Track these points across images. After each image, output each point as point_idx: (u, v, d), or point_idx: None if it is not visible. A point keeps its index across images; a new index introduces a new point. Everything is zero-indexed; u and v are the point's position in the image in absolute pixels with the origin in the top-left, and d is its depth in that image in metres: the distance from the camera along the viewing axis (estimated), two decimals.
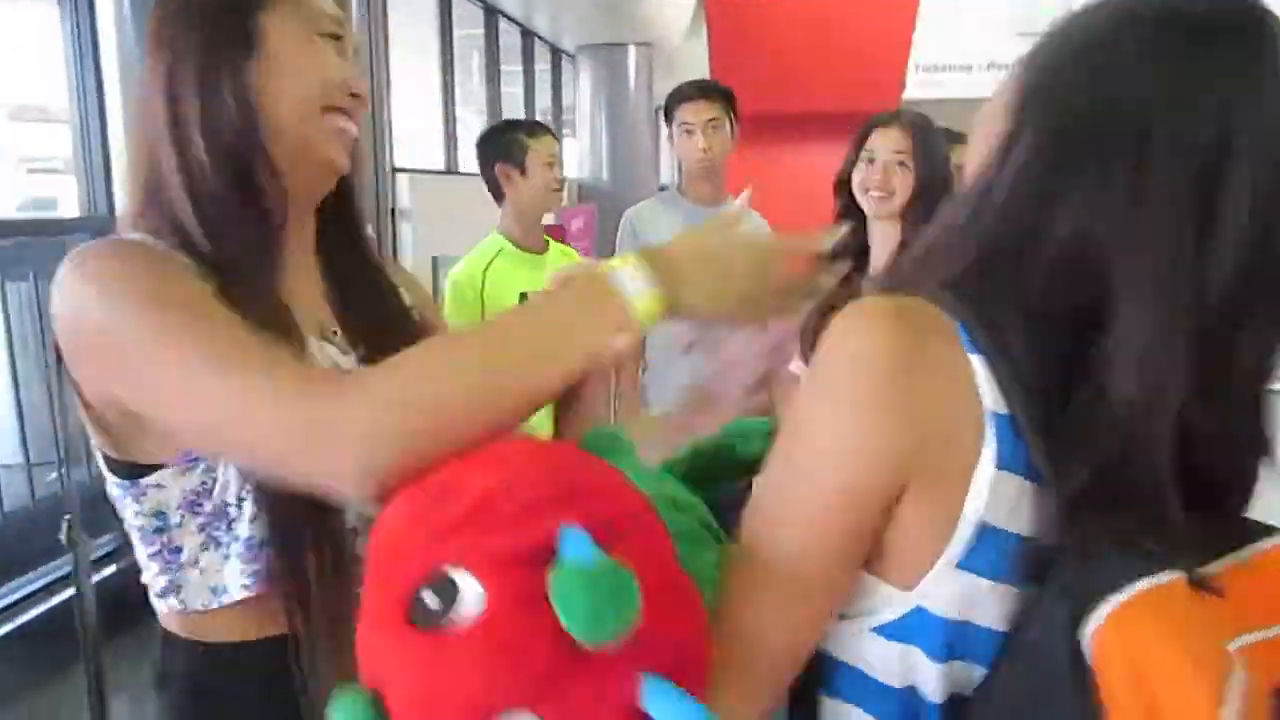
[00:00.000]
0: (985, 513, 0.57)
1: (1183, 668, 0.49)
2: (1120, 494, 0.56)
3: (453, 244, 2.91)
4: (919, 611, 0.59)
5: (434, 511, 0.55)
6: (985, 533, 0.57)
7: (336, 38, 0.86)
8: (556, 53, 8.94)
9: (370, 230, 1.02)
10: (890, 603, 0.60)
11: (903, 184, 1.87)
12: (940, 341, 0.59)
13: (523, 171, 2.24)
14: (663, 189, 4.81)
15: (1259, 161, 0.56)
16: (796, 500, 0.61)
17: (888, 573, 0.60)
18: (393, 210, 4.57)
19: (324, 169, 0.87)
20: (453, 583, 0.51)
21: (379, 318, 0.93)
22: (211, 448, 0.76)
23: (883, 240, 1.89)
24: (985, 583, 0.58)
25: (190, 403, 0.68)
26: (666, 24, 7.75)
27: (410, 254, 4.66)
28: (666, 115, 2.44)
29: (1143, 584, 0.51)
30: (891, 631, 0.61)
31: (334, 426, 0.61)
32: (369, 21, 3.86)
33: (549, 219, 2.60)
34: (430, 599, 0.52)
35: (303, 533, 0.79)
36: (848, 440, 0.59)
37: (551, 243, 2.41)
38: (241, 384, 0.66)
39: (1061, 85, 0.62)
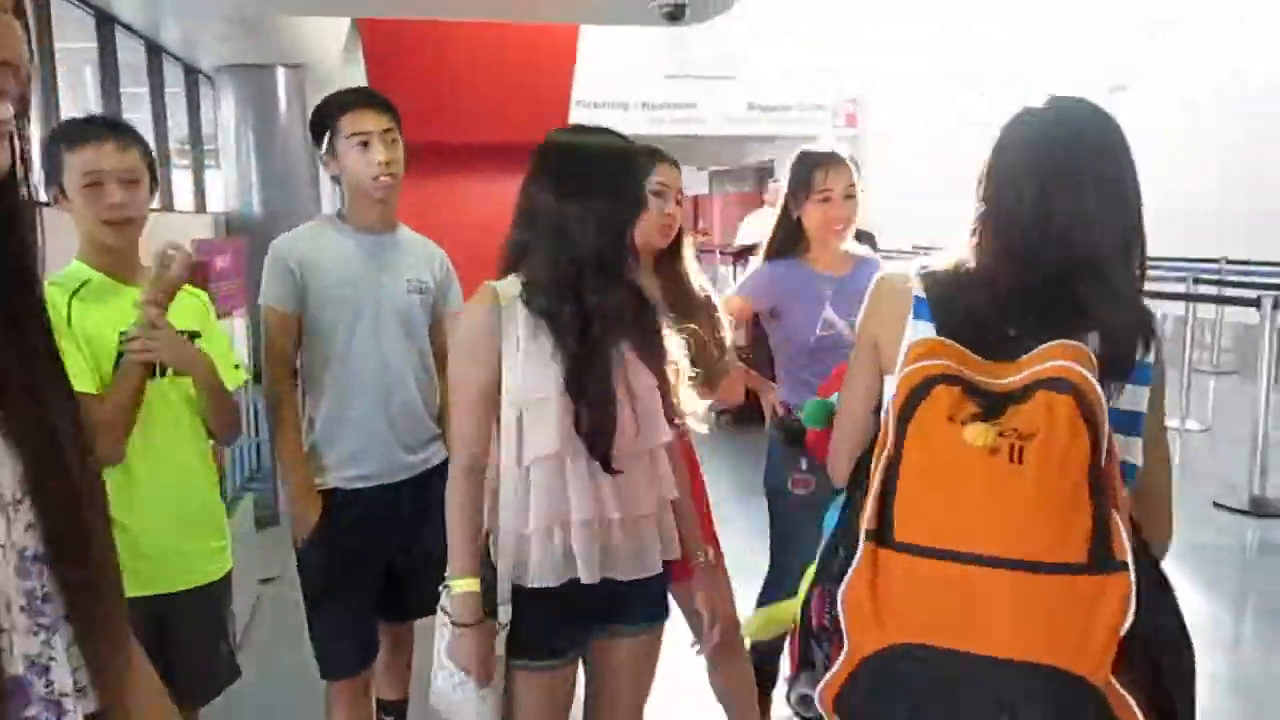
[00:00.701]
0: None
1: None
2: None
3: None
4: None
5: None
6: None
7: None
8: (192, 73, 8.06)
9: None
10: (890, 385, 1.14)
11: (853, 214, 2.19)
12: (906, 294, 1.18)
13: (64, 192, 1.68)
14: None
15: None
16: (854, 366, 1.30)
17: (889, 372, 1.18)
18: None
19: None
20: None
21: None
22: None
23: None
24: None
25: None
26: (319, 46, 7.27)
27: None
28: (321, 129, 2.04)
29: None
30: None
31: None
32: None
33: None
34: None
35: None
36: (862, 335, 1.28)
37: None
38: None
39: (997, 171, 1.19)
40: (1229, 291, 7.01)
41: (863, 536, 1.01)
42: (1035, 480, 0.93)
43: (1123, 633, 0.93)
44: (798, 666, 1.22)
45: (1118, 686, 0.93)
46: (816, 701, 1.07)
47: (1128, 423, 1.11)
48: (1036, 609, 0.94)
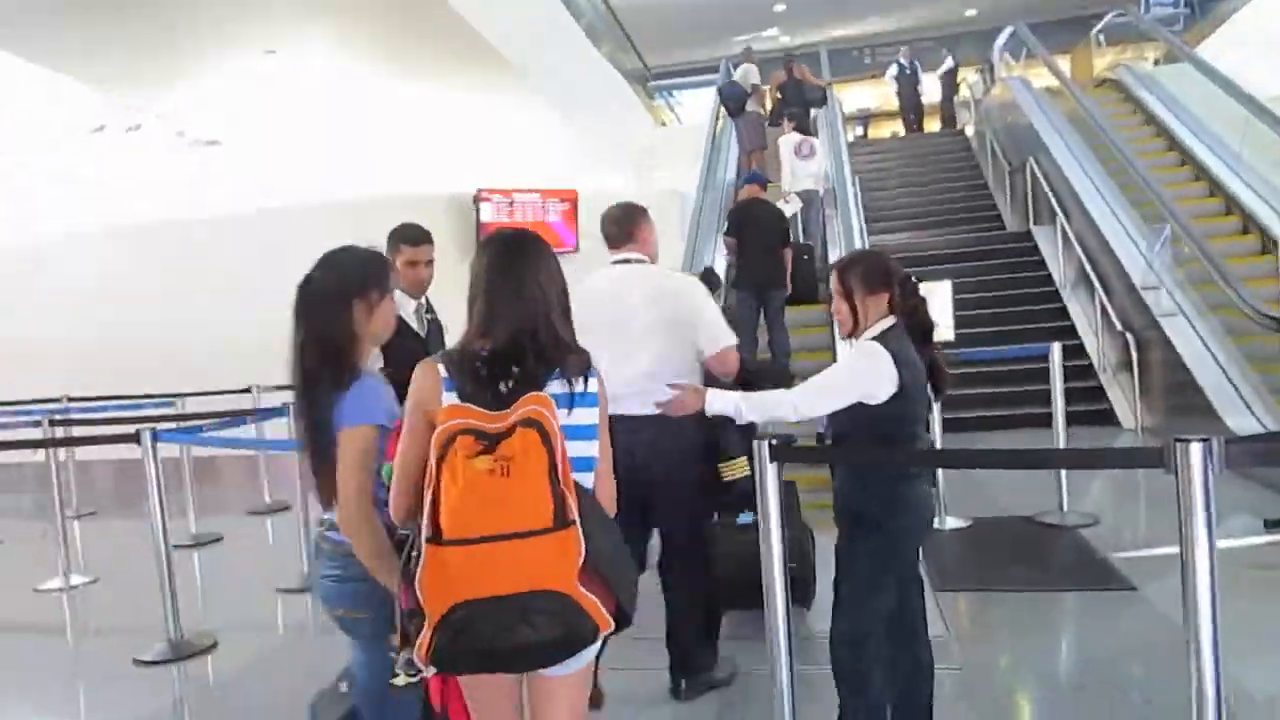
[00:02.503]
0: None
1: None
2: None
3: None
4: None
5: None
6: None
7: None
8: None
9: None
10: None
11: None
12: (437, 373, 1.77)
13: None
14: None
15: None
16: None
17: None
18: None
19: None
20: None
21: None
22: None
23: None
24: None
25: None
26: None
27: None
28: None
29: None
30: None
31: None
32: None
33: None
34: None
35: None
36: None
37: None
38: None
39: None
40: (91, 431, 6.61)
41: (424, 541, 1.56)
42: (516, 485, 1.54)
43: (581, 557, 1.58)
44: (402, 642, 1.67)
45: (582, 590, 1.58)
46: (417, 660, 1.60)
47: (587, 433, 1.76)
48: (527, 557, 1.54)
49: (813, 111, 11.38)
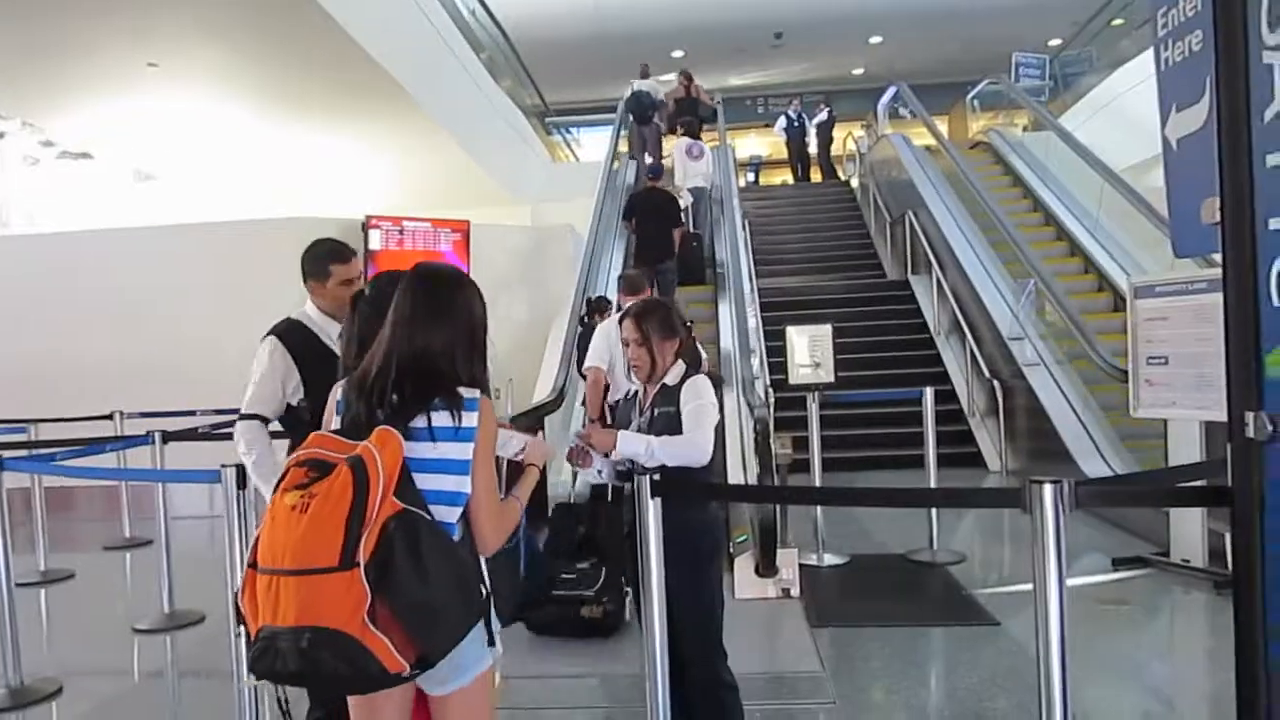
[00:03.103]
0: None
1: None
2: None
3: None
4: None
5: None
6: None
7: None
8: None
9: None
10: None
11: None
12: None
13: None
14: None
15: None
16: None
17: None
18: None
19: None
20: None
21: None
22: None
23: None
24: None
25: None
26: None
27: None
28: None
29: None
30: None
31: None
32: None
33: None
34: None
35: None
36: None
37: None
38: None
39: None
40: None
41: (245, 564, 1.65)
42: (309, 524, 1.57)
43: (368, 600, 1.54)
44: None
45: (371, 629, 1.55)
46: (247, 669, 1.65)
47: (456, 467, 1.75)
48: (309, 594, 1.55)
49: (703, 134, 12.29)
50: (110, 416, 7.01)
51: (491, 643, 1.78)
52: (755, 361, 7.06)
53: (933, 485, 5.52)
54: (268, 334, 2.99)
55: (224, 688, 3.12)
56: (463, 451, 1.74)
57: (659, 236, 8.81)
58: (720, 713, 2.63)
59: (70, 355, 8.17)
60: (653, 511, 2.43)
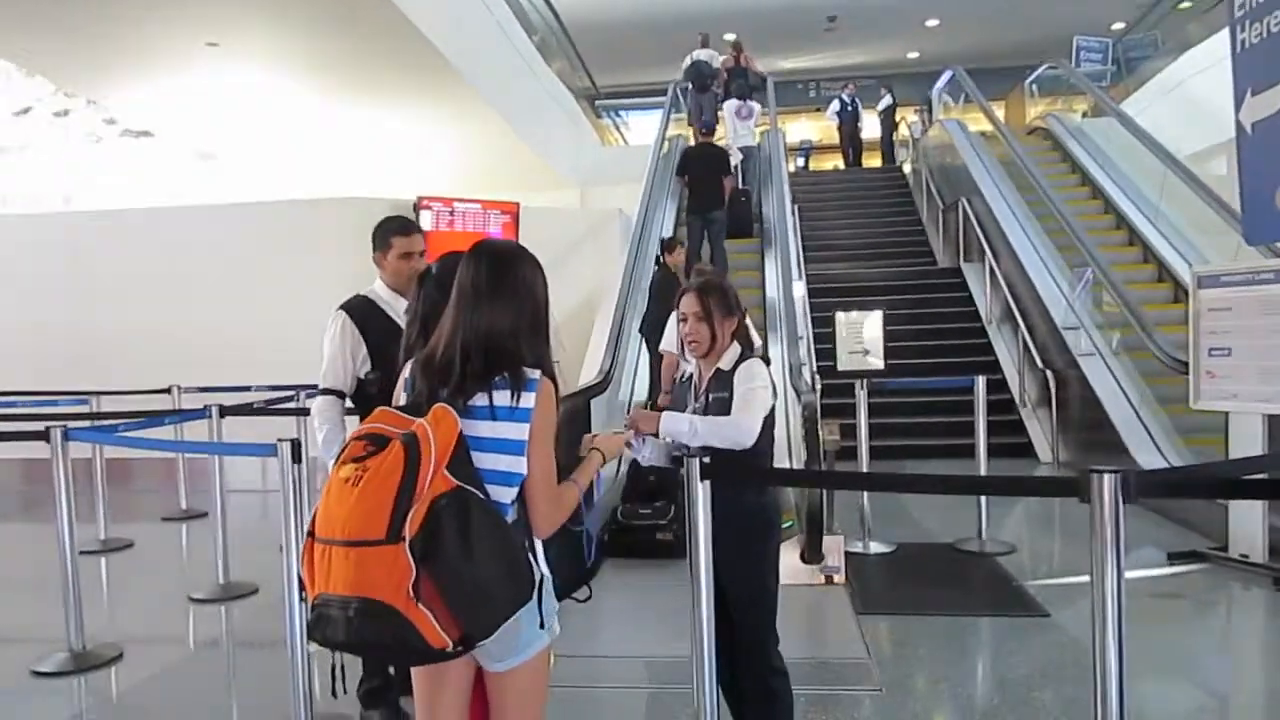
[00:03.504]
0: None
1: None
2: None
3: None
4: None
5: None
6: None
7: None
8: None
9: None
10: None
11: None
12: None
13: None
14: None
15: None
16: None
17: None
18: None
19: None
20: None
21: None
22: None
23: None
24: None
25: None
26: None
27: None
28: None
29: None
30: None
31: None
32: None
33: None
34: None
35: None
36: None
37: None
38: None
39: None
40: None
41: (305, 533, 1.71)
42: (358, 497, 1.60)
43: (412, 574, 1.57)
44: None
45: (415, 603, 1.57)
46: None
47: (512, 447, 1.76)
48: (356, 564, 1.59)
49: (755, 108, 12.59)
50: (168, 390, 7.19)
51: (543, 625, 1.78)
52: (802, 348, 7.01)
53: (983, 472, 5.44)
54: (338, 309, 3.07)
55: (277, 657, 3.19)
56: (519, 432, 1.75)
57: (710, 187, 9.27)
58: (770, 698, 2.62)
59: (129, 330, 8.40)
60: (702, 494, 2.43)
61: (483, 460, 1.72)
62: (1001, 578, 4.77)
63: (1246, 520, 4.76)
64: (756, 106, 12.12)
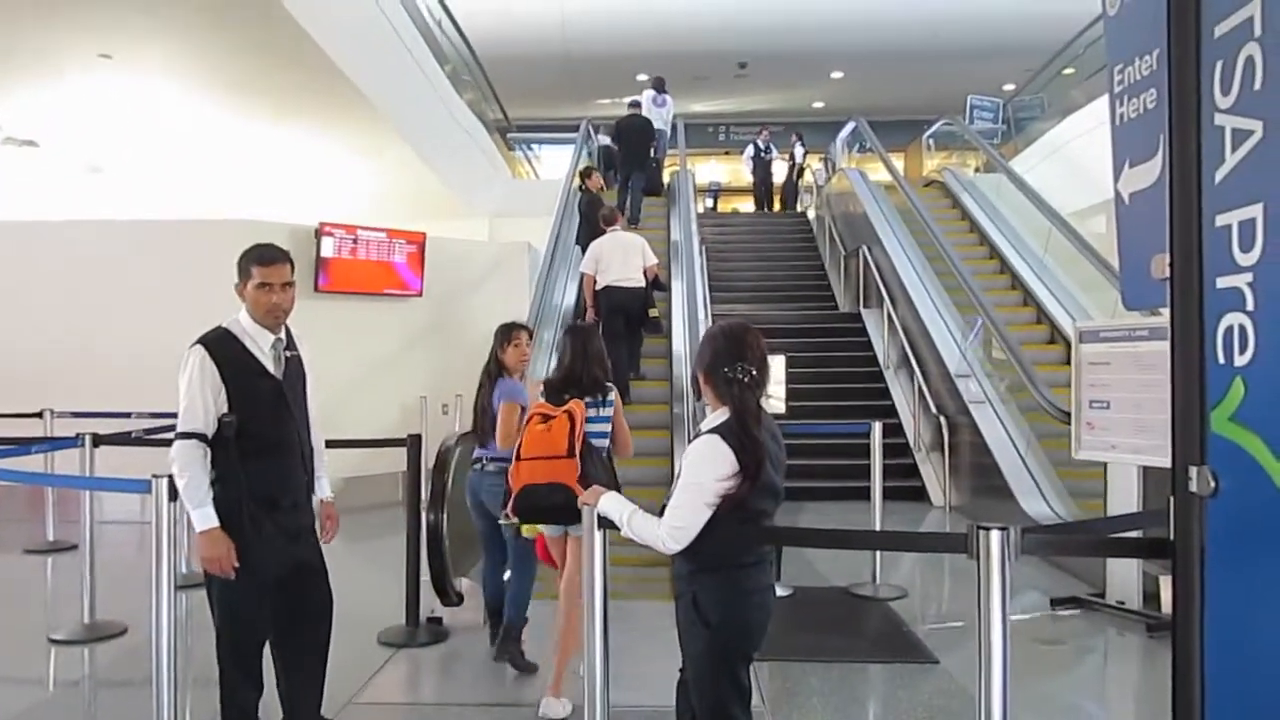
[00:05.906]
0: None
1: None
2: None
3: None
4: None
5: None
6: None
7: None
8: None
9: None
10: None
11: None
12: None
13: None
14: None
15: None
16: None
17: None
18: None
19: None
20: None
21: None
22: None
23: None
24: None
25: None
26: None
27: None
28: None
29: None
30: None
31: None
32: None
33: None
34: None
35: None
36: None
37: None
38: None
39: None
40: None
41: (514, 459, 3.57)
42: (551, 435, 3.51)
43: (578, 471, 3.44)
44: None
45: (577, 486, 3.30)
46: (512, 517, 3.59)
47: (604, 422, 3.82)
48: (551, 468, 3.45)
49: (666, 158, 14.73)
50: (40, 415, 6.76)
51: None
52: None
53: (878, 519, 5.56)
54: (194, 343, 2.86)
55: (143, 703, 2.98)
56: (605, 419, 3.81)
57: (638, 150, 12.22)
58: None
59: (2, 348, 7.87)
60: (599, 542, 2.39)
61: (590, 428, 3.63)
62: (894, 623, 4.86)
63: (1123, 569, 4.98)
64: (669, 98, 14.57)
